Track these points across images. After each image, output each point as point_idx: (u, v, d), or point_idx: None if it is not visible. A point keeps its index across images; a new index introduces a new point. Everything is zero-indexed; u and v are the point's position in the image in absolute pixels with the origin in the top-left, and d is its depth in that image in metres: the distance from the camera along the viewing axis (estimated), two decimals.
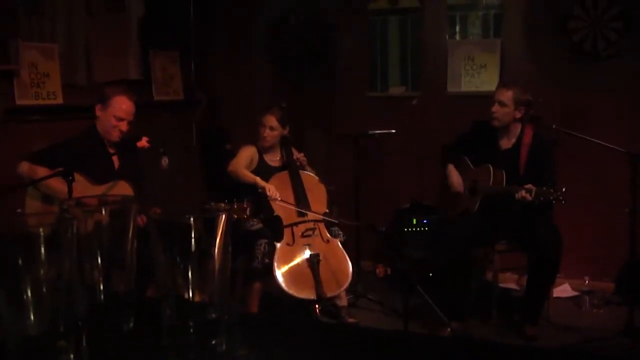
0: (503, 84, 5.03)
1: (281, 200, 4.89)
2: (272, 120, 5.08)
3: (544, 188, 4.41)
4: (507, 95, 4.78)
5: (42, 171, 3.97)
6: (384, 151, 6.37)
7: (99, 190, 4.18)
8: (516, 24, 6.00)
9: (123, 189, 4.30)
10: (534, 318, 4.81)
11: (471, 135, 5.16)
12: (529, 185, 4.47)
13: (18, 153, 4.21)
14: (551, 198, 4.39)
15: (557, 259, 4.66)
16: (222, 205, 1.01)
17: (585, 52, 5.71)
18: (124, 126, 4.35)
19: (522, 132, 4.88)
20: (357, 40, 6.60)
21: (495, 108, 4.83)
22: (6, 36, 4.74)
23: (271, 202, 4.88)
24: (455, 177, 5.13)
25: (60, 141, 4.31)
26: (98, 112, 4.37)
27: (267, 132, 5.09)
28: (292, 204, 4.93)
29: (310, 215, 4.92)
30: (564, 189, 4.36)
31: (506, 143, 4.94)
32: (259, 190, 4.87)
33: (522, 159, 4.83)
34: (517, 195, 4.52)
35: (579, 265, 5.73)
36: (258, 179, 4.94)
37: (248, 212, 4.59)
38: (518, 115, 4.81)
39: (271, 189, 4.88)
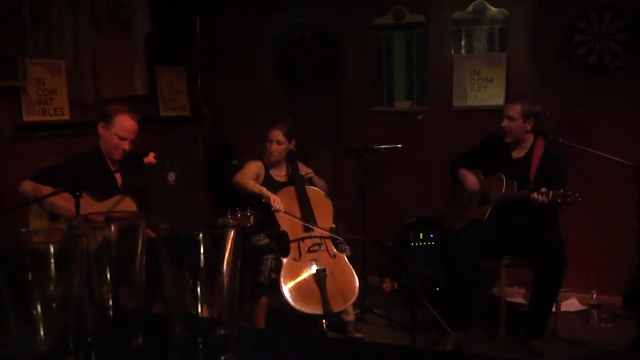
0: (511, 98, 5.08)
1: (285, 212, 4.89)
2: (278, 135, 5.09)
3: (561, 190, 4.43)
4: (515, 110, 4.82)
5: (46, 190, 3.96)
6: (390, 166, 6.37)
7: (103, 207, 4.17)
8: (522, 37, 6.01)
9: (128, 205, 4.30)
10: (539, 332, 4.79)
11: (482, 147, 5.17)
12: (544, 189, 4.49)
13: (25, 170, 4.21)
14: (568, 200, 4.40)
15: (561, 272, 4.65)
16: (230, 220, 1.01)
17: (591, 65, 5.72)
18: (126, 145, 4.35)
19: (534, 143, 4.91)
20: (362, 55, 6.62)
21: (505, 123, 4.88)
22: (13, 53, 4.77)
23: (277, 217, 4.88)
24: (470, 177, 5.12)
25: (63, 159, 4.31)
26: (101, 130, 4.37)
27: (274, 147, 5.10)
28: (297, 217, 4.93)
29: (317, 231, 4.92)
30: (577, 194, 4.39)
31: (518, 153, 4.98)
32: (263, 200, 4.87)
33: (533, 168, 4.85)
34: (532, 196, 4.52)
35: (587, 280, 5.71)
36: (264, 189, 4.94)
37: (251, 220, 4.59)
38: (528, 127, 4.85)
39: (276, 200, 4.88)
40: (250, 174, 5.11)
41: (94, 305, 0.98)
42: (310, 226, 4.91)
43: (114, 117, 4.33)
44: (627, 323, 5.29)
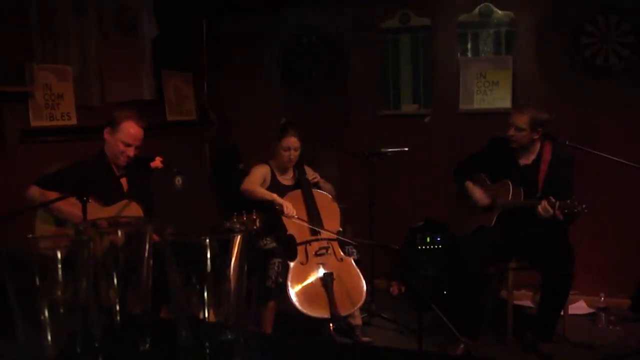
0: (518, 107, 5.01)
1: (298, 218, 4.89)
2: (295, 142, 5.06)
3: (568, 201, 4.40)
4: (523, 120, 4.77)
5: (53, 195, 3.96)
6: (396, 169, 6.37)
7: (109, 212, 4.17)
8: (528, 40, 6.00)
9: (133, 210, 4.30)
10: (548, 335, 4.77)
11: (488, 152, 5.15)
12: (551, 199, 4.47)
13: (32, 174, 4.22)
14: (575, 210, 4.38)
15: (570, 275, 4.63)
16: (236, 224, 1.01)
17: (597, 67, 5.71)
18: (131, 152, 4.35)
19: (541, 149, 4.89)
20: (368, 59, 6.62)
21: (512, 132, 4.83)
22: (21, 58, 4.78)
23: (285, 220, 4.88)
24: (478, 193, 5.09)
25: (69, 165, 4.31)
26: (106, 136, 4.37)
27: (293, 154, 5.08)
28: (307, 221, 4.93)
29: (324, 234, 4.91)
30: (583, 205, 4.37)
31: (526, 159, 4.94)
32: (276, 207, 4.87)
33: (541, 175, 4.82)
34: (539, 207, 4.51)
35: (594, 282, 5.70)
36: (275, 196, 4.93)
37: (258, 223, 4.59)
38: (536, 136, 4.80)
39: (289, 207, 4.87)
40: (257, 180, 5.11)
41: (101, 310, 0.98)
42: (318, 229, 4.91)
43: (120, 122, 4.33)
44: (635, 325, 5.28)
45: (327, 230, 4.92)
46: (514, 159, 4.97)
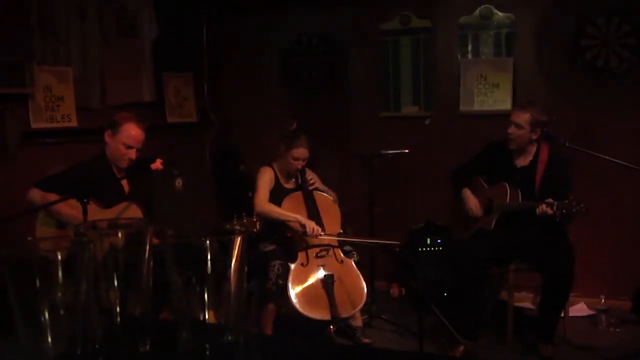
0: (520, 105, 4.99)
1: (325, 234, 4.85)
2: (305, 153, 5.01)
3: (566, 201, 4.39)
4: (524, 118, 4.75)
5: (53, 198, 3.96)
6: (397, 171, 6.36)
7: (109, 214, 4.17)
8: (528, 42, 6.00)
9: (134, 212, 4.29)
10: (548, 336, 4.76)
11: (485, 155, 5.14)
12: (549, 200, 4.46)
13: (32, 176, 4.22)
14: (573, 210, 4.37)
15: (571, 276, 4.62)
16: (236, 225, 1.01)
17: (597, 69, 5.71)
18: (132, 154, 4.34)
19: (538, 149, 4.87)
20: (369, 61, 6.61)
21: (512, 130, 4.81)
22: (21, 60, 4.78)
23: (289, 224, 4.87)
24: (472, 202, 5.08)
25: (69, 167, 4.31)
26: (107, 138, 4.36)
27: (301, 164, 5.05)
28: (336, 235, 4.92)
29: (325, 236, 4.90)
30: (582, 204, 4.36)
31: (522, 161, 4.93)
32: (301, 230, 4.82)
33: (538, 176, 4.81)
34: (538, 209, 4.50)
35: (595, 284, 5.69)
36: (299, 216, 4.88)
37: (258, 225, 4.58)
38: (534, 136, 4.79)
39: (312, 226, 4.82)
40: (267, 193, 5.04)
41: (101, 312, 0.98)
42: (350, 240, 4.92)
43: (120, 125, 4.32)
44: (636, 327, 5.27)
45: (355, 239, 4.94)
46: (511, 161, 4.96)
